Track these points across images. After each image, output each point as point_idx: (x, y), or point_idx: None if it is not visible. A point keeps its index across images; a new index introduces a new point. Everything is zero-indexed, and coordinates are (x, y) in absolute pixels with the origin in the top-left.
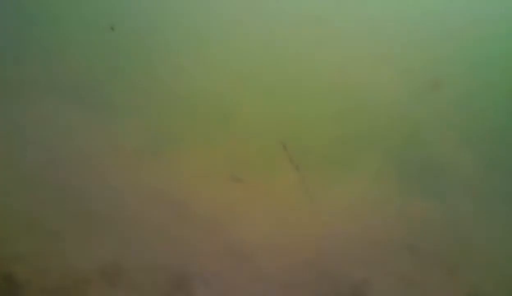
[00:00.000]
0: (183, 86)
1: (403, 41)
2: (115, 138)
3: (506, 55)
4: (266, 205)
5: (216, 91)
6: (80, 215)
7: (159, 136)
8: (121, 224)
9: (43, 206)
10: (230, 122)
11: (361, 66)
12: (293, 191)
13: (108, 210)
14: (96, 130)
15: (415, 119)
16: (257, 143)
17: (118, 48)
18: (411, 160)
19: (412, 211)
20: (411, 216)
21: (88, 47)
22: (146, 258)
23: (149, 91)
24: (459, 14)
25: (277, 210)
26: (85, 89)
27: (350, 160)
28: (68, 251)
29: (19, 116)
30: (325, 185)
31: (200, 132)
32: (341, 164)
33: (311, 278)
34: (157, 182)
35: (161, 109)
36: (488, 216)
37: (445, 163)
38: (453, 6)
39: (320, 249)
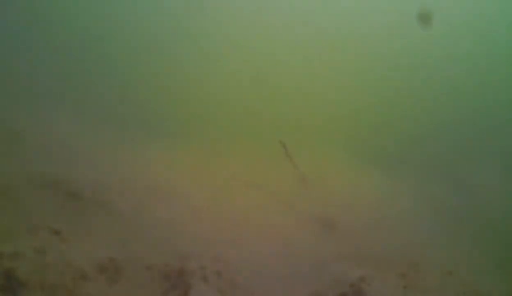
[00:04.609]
0: (183, 86)
1: None
2: (112, 137)
3: None
4: (265, 204)
5: (217, 91)
6: (78, 213)
7: (159, 135)
8: (119, 222)
9: (42, 204)
10: (230, 121)
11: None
12: (292, 189)
13: (106, 208)
14: (93, 129)
15: None
16: (258, 142)
17: (123, 49)
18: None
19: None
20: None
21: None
22: (144, 255)
23: (150, 91)
24: None
25: (276, 209)
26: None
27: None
28: (67, 249)
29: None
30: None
31: (200, 131)
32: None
33: (311, 274)
34: (156, 180)
35: (159, 109)
36: None
37: None
38: None
39: (319, 244)
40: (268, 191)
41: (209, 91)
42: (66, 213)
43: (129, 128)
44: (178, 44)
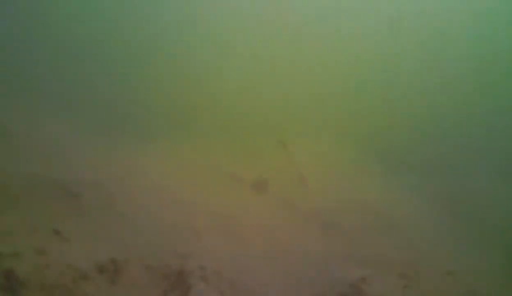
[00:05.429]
0: (181, 87)
1: None
2: (112, 137)
3: None
4: (265, 204)
5: (217, 91)
6: (78, 213)
7: (159, 135)
8: (119, 222)
9: (42, 204)
10: (231, 121)
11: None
12: (291, 187)
13: (106, 208)
14: (93, 130)
15: None
16: (257, 142)
17: (120, 48)
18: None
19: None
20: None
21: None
22: (144, 255)
23: (149, 92)
24: None
25: (276, 209)
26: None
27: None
28: (67, 249)
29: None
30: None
31: (200, 132)
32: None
33: (311, 274)
34: (156, 180)
35: (159, 110)
36: None
37: None
38: None
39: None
40: (268, 190)
41: (208, 92)
42: (66, 213)
43: (129, 129)
44: (176, 45)
